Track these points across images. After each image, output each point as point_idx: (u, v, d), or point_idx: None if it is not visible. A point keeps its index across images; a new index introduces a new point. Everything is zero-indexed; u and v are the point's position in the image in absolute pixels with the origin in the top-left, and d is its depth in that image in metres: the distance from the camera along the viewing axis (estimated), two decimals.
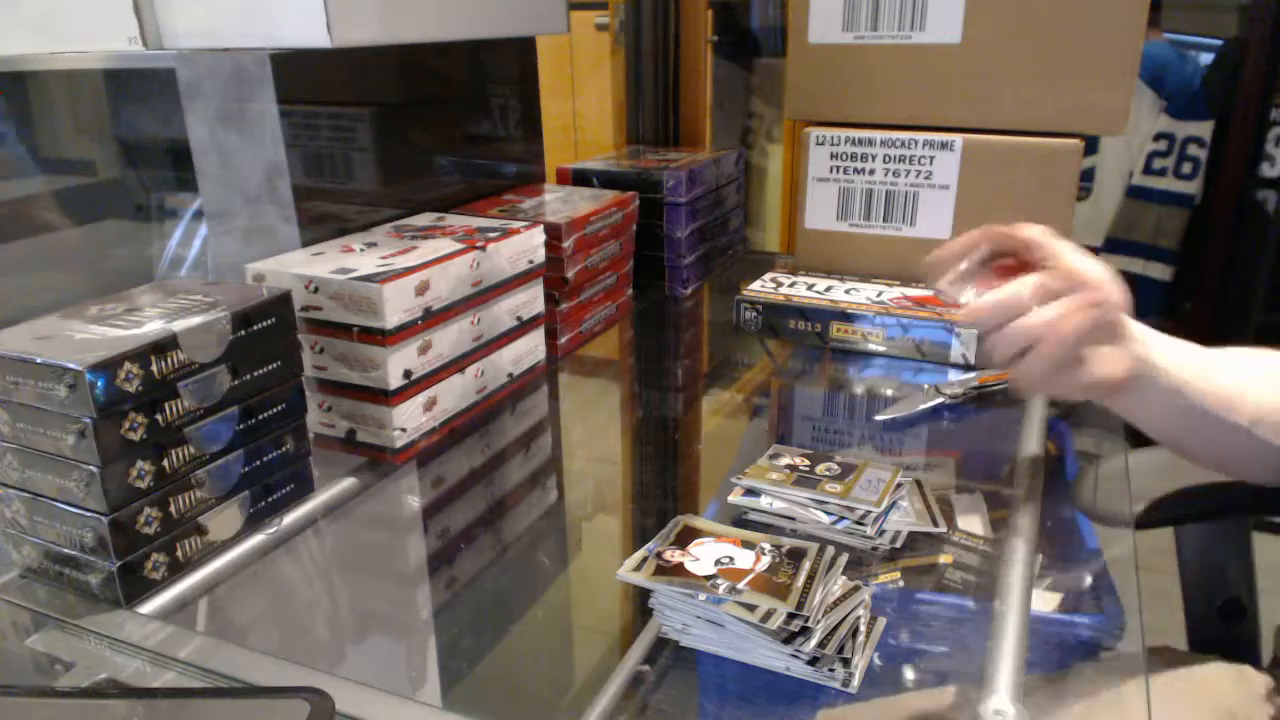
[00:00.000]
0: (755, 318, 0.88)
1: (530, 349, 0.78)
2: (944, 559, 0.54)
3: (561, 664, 0.52)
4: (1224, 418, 0.48)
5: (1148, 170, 1.41)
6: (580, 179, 1.00)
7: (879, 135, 0.91)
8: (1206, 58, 1.35)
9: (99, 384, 0.45)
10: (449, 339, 0.67)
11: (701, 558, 0.48)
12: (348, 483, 0.62)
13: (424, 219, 0.78)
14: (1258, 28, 1.27)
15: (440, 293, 0.64)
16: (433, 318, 0.64)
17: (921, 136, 0.89)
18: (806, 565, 0.47)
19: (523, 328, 0.76)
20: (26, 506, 0.49)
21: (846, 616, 0.45)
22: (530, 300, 0.76)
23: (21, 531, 0.50)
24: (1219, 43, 1.35)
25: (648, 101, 1.19)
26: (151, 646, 0.46)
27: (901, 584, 0.51)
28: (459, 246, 0.68)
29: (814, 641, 0.43)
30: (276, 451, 0.56)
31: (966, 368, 0.80)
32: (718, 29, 1.23)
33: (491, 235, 0.71)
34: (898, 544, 0.54)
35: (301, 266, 0.62)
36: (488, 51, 0.86)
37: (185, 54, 0.63)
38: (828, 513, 0.56)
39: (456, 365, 0.68)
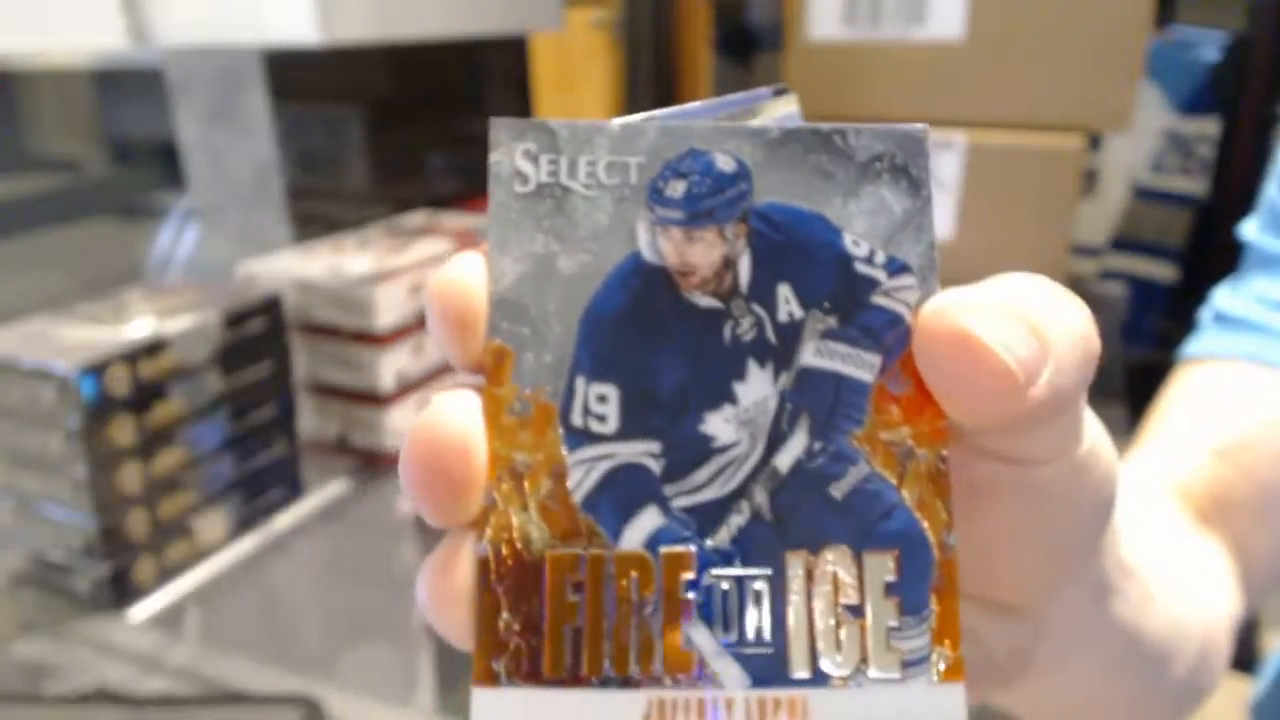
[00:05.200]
0: None
1: None
2: None
3: None
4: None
5: (1153, 168, 1.40)
6: None
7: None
8: (1213, 53, 1.34)
9: (87, 386, 0.44)
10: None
11: None
12: (339, 486, 0.62)
13: (417, 218, 0.77)
14: (1265, 24, 1.26)
15: None
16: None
17: None
18: None
19: None
20: (13, 511, 0.48)
21: None
22: None
23: (8, 536, 0.49)
24: (1226, 38, 1.33)
25: (645, 99, 1.18)
26: (140, 653, 0.45)
27: None
28: (452, 246, 0.67)
29: None
30: (267, 454, 0.56)
31: None
32: (716, 25, 1.22)
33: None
34: None
35: (293, 266, 0.62)
36: (481, 49, 0.85)
37: (175, 51, 0.63)
38: None
39: (450, 368, 0.68)
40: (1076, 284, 1.02)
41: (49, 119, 0.71)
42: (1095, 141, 1.29)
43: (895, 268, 0.13)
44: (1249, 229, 0.37)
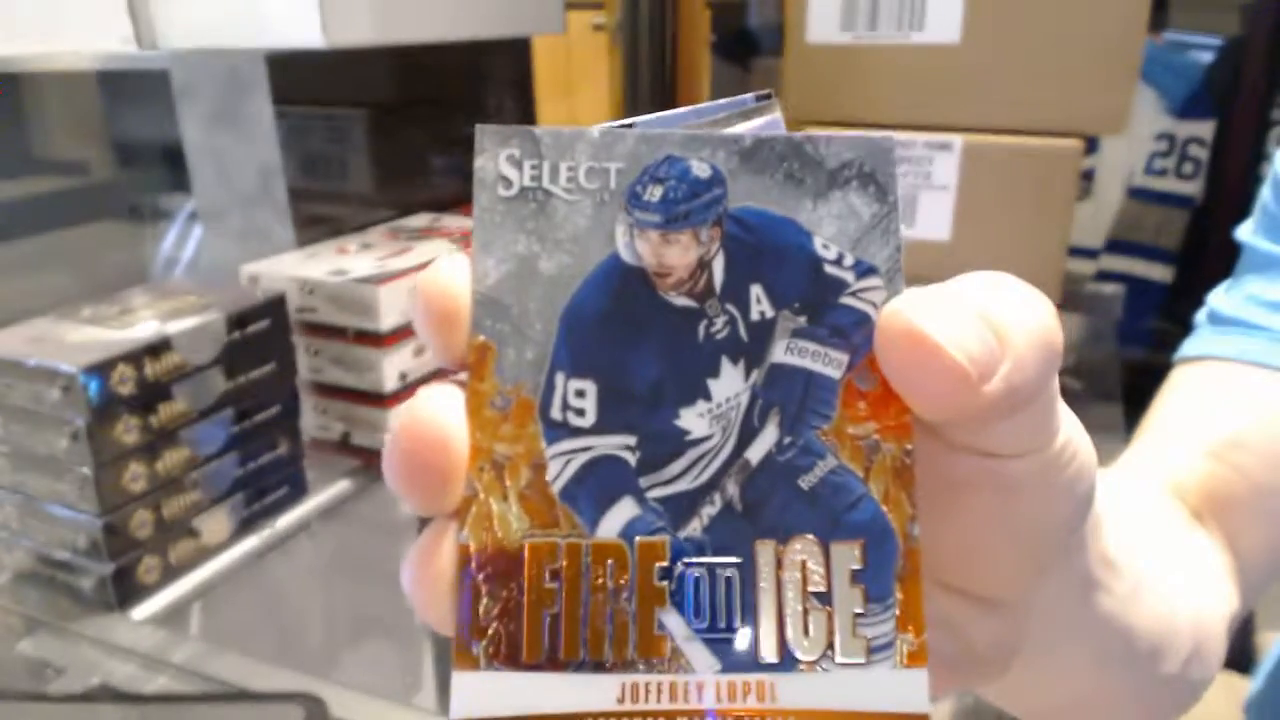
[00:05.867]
0: None
1: None
2: None
3: None
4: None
5: (1148, 170, 1.41)
6: None
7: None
8: (1207, 56, 1.35)
9: (92, 386, 0.44)
10: None
11: None
12: (342, 486, 0.62)
13: (419, 220, 0.78)
14: (1258, 27, 1.27)
15: None
16: None
17: (921, 137, 0.89)
18: None
19: None
20: (19, 509, 0.49)
21: None
22: None
23: (14, 535, 0.50)
24: (1220, 42, 1.34)
25: (645, 103, 1.19)
26: (145, 651, 0.45)
27: None
28: (454, 248, 0.67)
29: None
30: (270, 454, 0.56)
31: None
32: (716, 29, 1.22)
33: None
34: None
35: (296, 268, 0.62)
36: (483, 52, 0.86)
37: (180, 54, 0.63)
38: None
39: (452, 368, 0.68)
40: (1072, 285, 1.03)
41: (55, 122, 0.71)
42: (1091, 143, 1.30)
43: (863, 270, 0.13)
44: (1244, 231, 0.37)
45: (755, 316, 0.13)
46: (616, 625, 0.12)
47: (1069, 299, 0.94)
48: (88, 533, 0.47)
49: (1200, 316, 0.36)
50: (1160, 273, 1.42)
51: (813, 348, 0.13)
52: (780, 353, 0.13)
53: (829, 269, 0.13)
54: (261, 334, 0.54)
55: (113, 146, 0.73)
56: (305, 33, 0.49)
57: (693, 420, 0.13)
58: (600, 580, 0.12)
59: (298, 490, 0.59)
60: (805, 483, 0.13)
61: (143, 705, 0.42)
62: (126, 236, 0.74)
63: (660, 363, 0.13)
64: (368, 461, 0.64)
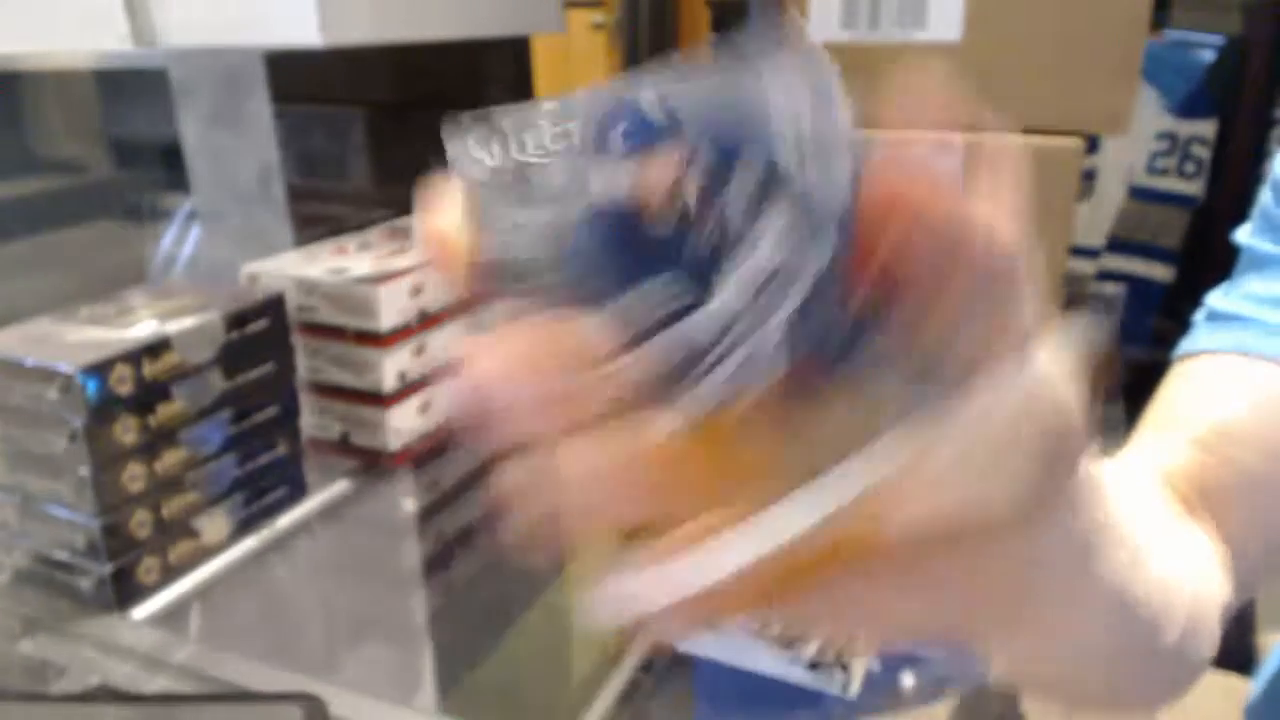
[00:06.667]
0: None
1: None
2: None
3: (558, 669, 0.51)
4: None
5: (1150, 170, 1.40)
6: None
7: (878, 135, 0.90)
8: (1209, 55, 1.34)
9: (91, 386, 0.44)
10: (444, 341, 0.66)
11: None
12: (341, 486, 0.62)
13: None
14: (1260, 26, 1.26)
15: (435, 295, 0.64)
16: (427, 320, 0.64)
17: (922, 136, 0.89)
18: None
19: None
20: (17, 510, 0.49)
21: None
22: None
23: (13, 535, 0.50)
24: (1222, 41, 1.34)
25: None
26: (144, 651, 0.45)
27: None
28: None
29: (814, 647, 0.43)
30: (270, 454, 0.56)
31: None
32: (716, 27, 1.22)
33: None
34: None
35: (295, 267, 0.62)
36: (482, 51, 0.85)
37: (178, 53, 0.63)
38: None
39: (452, 367, 0.68)
40: (1073, 285, 1.03)
41: (53, 121, 0.71)
42: (1093, 142, 1.30)
43: (824, 162, 0.14)
44: (1243, 233, 0.37)
45: (735, 228, 0.14)
46: None
47: (1070, 299, 0.94)
48: (86, 533, 0.47)
49: (1198, 316, 0.37)
50: (1161, 272, 1.42)
51: (796, 242, 0.14)
52: (767, 253, 0.14)
53: (793, 163, 0.14)
54: (260, 334, 0.54)
55: (111, 145, 0.73)
56: (303, 31, 0.49)
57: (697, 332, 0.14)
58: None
59: (297, 490, 0.59)
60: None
61: (142, 705, 0.42)
62: (125, 236, 0.74)
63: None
64: (367, 461, 0.64)
